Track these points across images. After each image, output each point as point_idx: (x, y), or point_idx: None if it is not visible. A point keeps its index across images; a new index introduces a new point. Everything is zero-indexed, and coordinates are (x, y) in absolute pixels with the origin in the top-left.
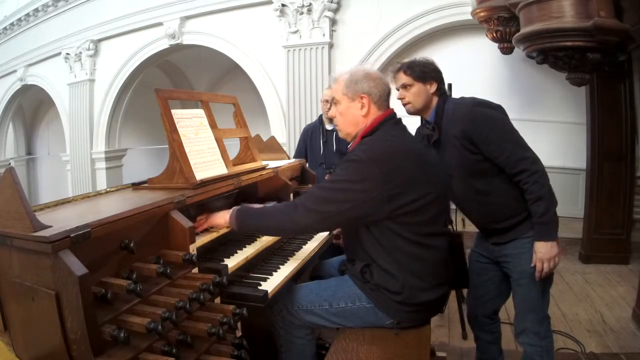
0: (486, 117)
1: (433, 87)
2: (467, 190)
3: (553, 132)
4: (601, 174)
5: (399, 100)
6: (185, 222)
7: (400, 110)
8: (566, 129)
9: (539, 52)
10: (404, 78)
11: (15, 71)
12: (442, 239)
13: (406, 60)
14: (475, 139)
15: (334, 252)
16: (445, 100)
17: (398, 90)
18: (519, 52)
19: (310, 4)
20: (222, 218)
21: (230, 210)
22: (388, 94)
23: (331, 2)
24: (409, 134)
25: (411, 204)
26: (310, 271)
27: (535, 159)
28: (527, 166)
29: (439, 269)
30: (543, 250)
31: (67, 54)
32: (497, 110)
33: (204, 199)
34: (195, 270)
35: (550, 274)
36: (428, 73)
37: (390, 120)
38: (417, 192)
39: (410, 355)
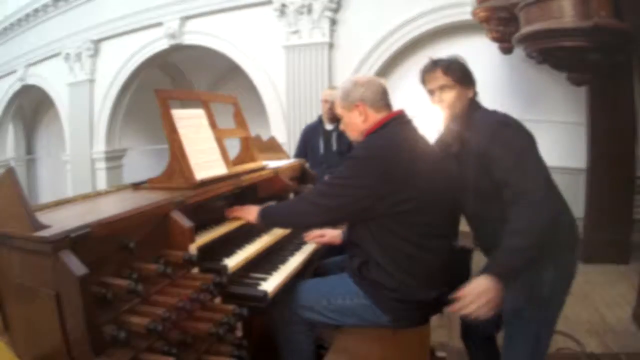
0: (507, 138)
1: (471, 92)
2: (479, 213)
3: (553, 132)
4: (601, 174)
5: (437, 105)
6: (185, 222)
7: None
8: (566, 128)
9: (539, 52)
10: (442, 79)
11: (15, 71)
12: (442, 242)
13: (440, 58)
14: (491, 158)
15: (338, 250)
16: (476, 109)
17: (432, 93)
18: (519, 52)
19: (310, 4)
20: (251, 215)
21: (257, 209)
22: (383, 93)
23: (331, 2)
24: (417, 134)
25: (407, 202)
26: (312, 269)
27: (539, 200)
28: (525, 198)
29: (435, 270)
30: (478, 285)
31: (67, 54)
32: (521, 135)
33: (204, 199)
34: (196, 270)
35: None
36: (468, 76)
37: (397, 120)
38: (414, 191)
39: (410, 355)
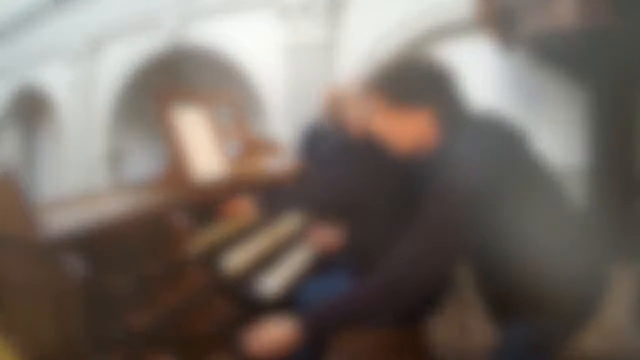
0: (470, 164)
1: (428, 115)
2: None
3: (554, 131)
4: (602, 173)
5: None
6: (186, 223)
7: None
8: (567, 127)
9: (540, 51)
10: (378, 102)
11: (16, 72)
12: None
13: (387, 63)
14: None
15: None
16: (457, 134)
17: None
18: (519, 51)
19: (311, 4)
20: (248, 206)
21: (255, 199)
22: None
23: (332, 2)
24: None
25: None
26: (314, 268)
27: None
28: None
29: None
30: (272, 327)
31: (68, 54)
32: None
33: (204, 200)
34: (196, 270)
35: None
36: (425, 88)
37: None
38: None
39: (410, 355)
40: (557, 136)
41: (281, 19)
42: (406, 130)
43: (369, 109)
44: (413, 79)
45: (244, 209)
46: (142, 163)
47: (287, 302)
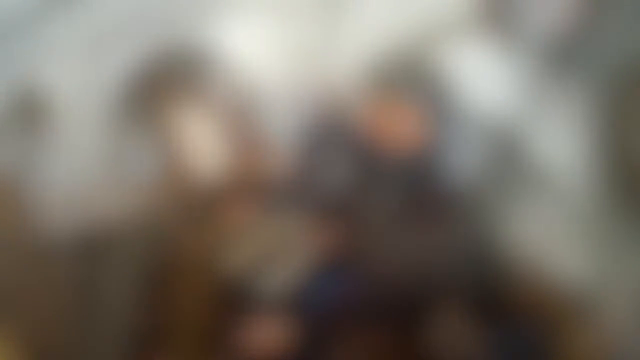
0: None
1: (421, 111)
2: None
3: (555, 129)
4: (604, 171)
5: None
6: (186, 223)
7: None
8: (569, 125)
9: (541, 51)
10: (368, 94)
11: (16, 72)
12: None
13: (381, 57)
14: None
15: None
16: (454, 131)
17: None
18: (520, 49)
19: (310, 4)
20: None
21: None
22: None
23: (331, 2)
24: None
25: None
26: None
27: None
28: None
29: None
30: (272, 327)
31: (68, 54)
32: None
33: (203, 200)
34: (197, 269)
35: None
36: (417, 82)
37: None
38: None
39: (410, 355)
40: (558, 136)
41: (280, 19)
42: (398, 126)
43: (363, 104)
44: (404, 72)
45: (244, 209)
46: (142, 163)
47: (287, 302)
